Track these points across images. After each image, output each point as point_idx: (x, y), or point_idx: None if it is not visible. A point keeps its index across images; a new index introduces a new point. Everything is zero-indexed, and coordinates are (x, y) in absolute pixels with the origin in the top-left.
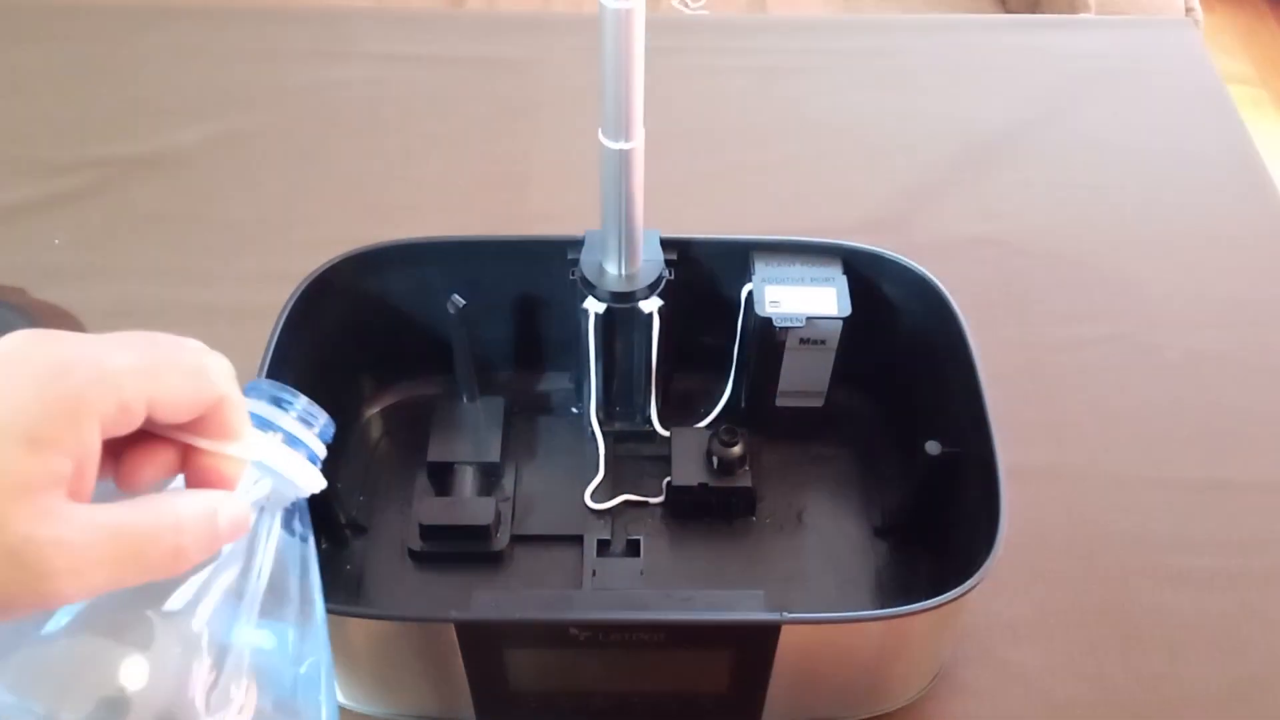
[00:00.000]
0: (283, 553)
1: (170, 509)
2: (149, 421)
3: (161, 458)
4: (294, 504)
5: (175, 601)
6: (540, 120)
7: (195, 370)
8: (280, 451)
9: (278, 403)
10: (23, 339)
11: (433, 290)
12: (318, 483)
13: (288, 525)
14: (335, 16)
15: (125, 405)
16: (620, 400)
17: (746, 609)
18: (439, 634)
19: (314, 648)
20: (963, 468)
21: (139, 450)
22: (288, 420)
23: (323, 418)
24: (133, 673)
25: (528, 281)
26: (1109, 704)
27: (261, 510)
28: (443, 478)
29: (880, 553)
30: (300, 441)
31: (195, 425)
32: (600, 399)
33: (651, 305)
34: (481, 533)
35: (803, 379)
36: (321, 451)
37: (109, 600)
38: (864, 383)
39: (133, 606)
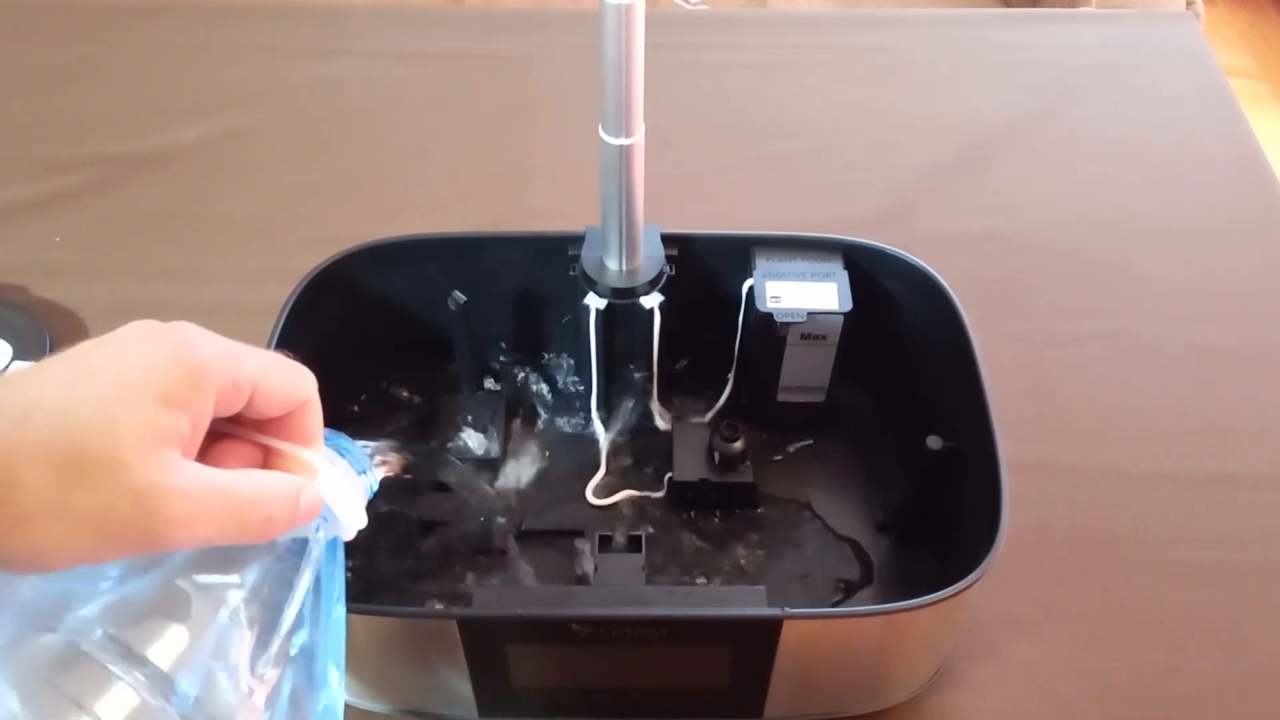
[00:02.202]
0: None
1: (266, 481)
2: (247, 409)
3: (243, 454)
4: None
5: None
6: (540, 116)
7: (293, 370)
8: (335, 481)
9: (337, 449)
10: (153, 322)
11: (433, 286)
12: (359, 522)
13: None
14: (335, 13)
15: (238, 383)
16: (621, 396)
17: (748, 605)
18: (441, 630)
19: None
20: (964, 463)
21: (222, 446)
22: (342, 464)
23: (372, 473)
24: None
25: (528, 277)
26: (1110, 699)
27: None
28: (444, 474)
29: (881, 548)
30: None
31: (278, 426)
32: (601, 394)
33: (652, 301)
34: (483, 528)
35: (804, 374)
36: (364, 498)
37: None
38: (865, 378)
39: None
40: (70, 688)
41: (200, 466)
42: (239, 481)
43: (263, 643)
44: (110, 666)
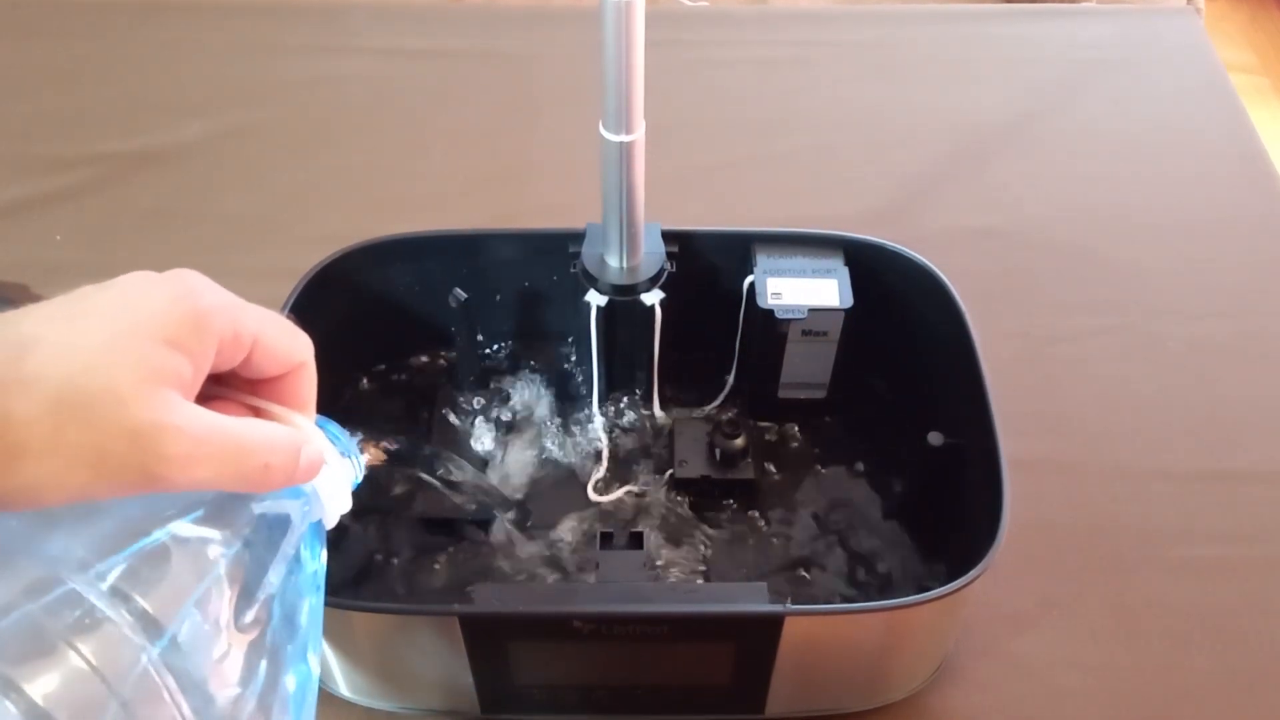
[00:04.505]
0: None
1: (267, 430)
2: (243, 366)
3: (236, 415)
4: (310, 537)
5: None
6: (541, 113)
7: (292, 330)
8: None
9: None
10: (150, 272)
11: (434, 283)
12: (343, 508)
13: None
14: (336, 11)
15: (238, 335)
16: (622, 392)
17: (749, 601)
18: (443, 627)
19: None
20: (965, 459)
21: (214, 407)
22: (330, 448)
23: (358, 460)
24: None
25: (529, 274)
26: (1111, 695)
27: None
28: (446, 471)
29: (883, 544)
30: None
31: (271, 389)
32: (602, 391)
33: (653, 298)
34: (484, 525)
35: (805, 371)
36: (349, 485)
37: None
38: (866, 374)
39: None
40: (52, 619)
41: (200, 409)
42: (239, 426)
43: (241, 606)
44: (95, 600)
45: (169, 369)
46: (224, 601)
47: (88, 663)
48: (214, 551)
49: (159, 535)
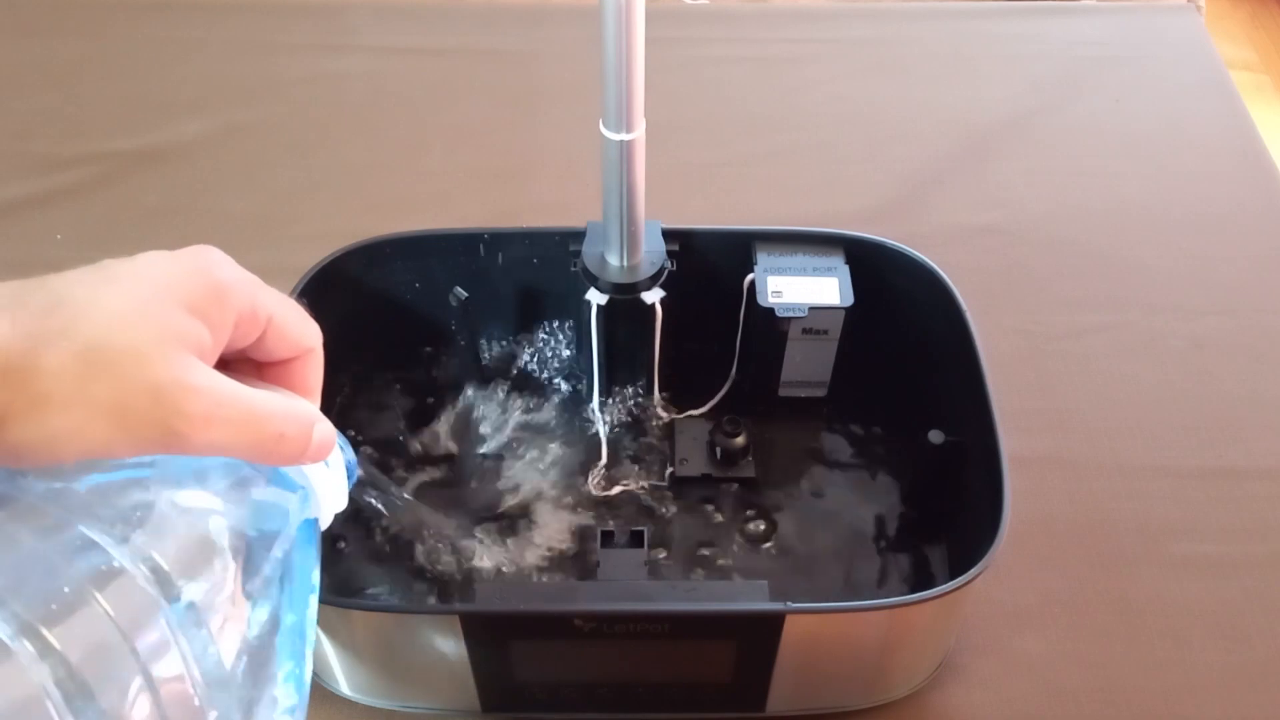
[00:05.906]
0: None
1: (283, 400)
2: (255, 346)
3: None
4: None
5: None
6: (541, 111)
7: (305, 315)
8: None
9: None
10: (163, 251)
11: (435, 282)
12: (338, 506)
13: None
14: (335, 9)
15: (254, 312)
16: (623, 391)
17: (750, 600)
18: (444, 626)
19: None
20: (966, 456)
21: None
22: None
23: (353, 460)
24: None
25: (530, 273)
26: (1113, 692)
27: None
28: (447, 469)
29: (884, 542)
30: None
31: (278, 374)
32: (603, 390)
33: (653, 296)
34: (485, 523)
35: (805, 369)
36: (345, 485)
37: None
38: (867, 372)
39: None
40: (70, 567)
41: (219, 374)
42: (257, 394)
43: (241, 582)
44: (113, 551)
45: (190, 334)
46: (228, 575)
47: (103, 609)
48: (217, 524)
49: (167, 504)
